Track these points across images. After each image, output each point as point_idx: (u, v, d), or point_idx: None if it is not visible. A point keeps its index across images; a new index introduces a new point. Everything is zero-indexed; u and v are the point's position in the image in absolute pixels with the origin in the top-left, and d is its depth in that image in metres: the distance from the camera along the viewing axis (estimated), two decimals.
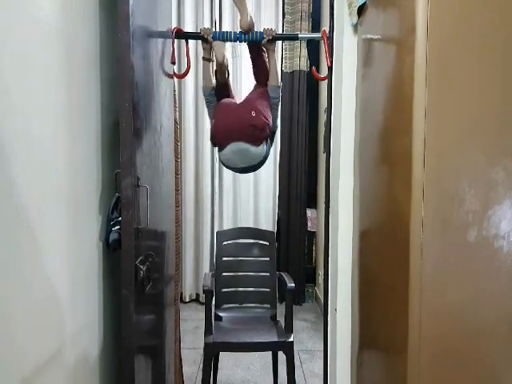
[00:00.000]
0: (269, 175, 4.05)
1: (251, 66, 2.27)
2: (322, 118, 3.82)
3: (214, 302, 2.41)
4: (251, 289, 2.59)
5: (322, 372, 1.90)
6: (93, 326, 1.41)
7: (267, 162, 2.15)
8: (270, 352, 2.52)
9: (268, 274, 2.58)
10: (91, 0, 1.39)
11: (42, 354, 1.09)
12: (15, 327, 0.97)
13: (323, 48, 1.95)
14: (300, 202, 4.08)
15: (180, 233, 2.23)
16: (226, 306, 2.55)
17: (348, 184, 1.67)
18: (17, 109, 0.97)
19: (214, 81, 2.17)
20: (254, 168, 2.11)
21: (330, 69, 1.82)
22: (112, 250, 1.40)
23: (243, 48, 2.29)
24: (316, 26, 4.00)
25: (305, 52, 3.97)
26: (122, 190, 1.33)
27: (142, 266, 1.39)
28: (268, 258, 2.60)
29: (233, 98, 2.24)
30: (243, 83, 3.84)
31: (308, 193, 4.12)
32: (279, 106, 2.19)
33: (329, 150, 1.84)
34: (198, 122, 3.98)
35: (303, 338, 3.33)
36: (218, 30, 3.87)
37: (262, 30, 2.07)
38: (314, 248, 4.28)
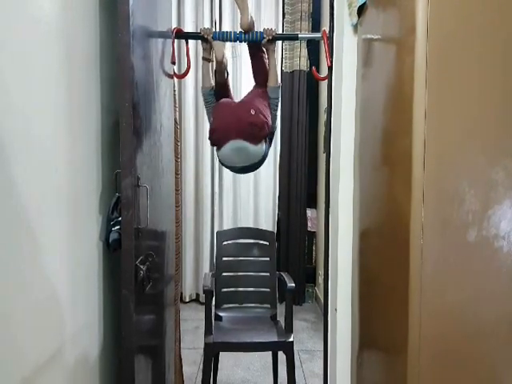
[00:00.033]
0: (269, 175, 4.05)
1: (250, 67, 2.27)
2: (322, 118, 3.82)
3: (214, 302, 2.41)
4: (251, 289, 2.59)
5: (322, 372, 1.90)
6: (93, 326, 1.41)
7: (267, 161, 2.15)
8: (270, 352, 2.52)
9: (268, 273, 2.58)
10: (91, 0, 1.39)
11: (42, 354, 1.09)
12: (15, 327, 0.97)
13: (323, 48, 1.95)
14: (300, 202, 4.08)
15: (180, 233, 2.23)
16: (226, 305, 2.55)
17: (348, 184, 1.67)
18: (17, 109, 0.97)
19: (213, 81, 2.17)
20: (252, 168, 2.10)
21: (330, 69, 1.82)
22: (112, 249, 1.40)
23: (243, 48, 2.30)
24: (316, 26, 4.00)
25: (305, 52, 3.97)
26: (122, 190, 1.33)
27: (142, 266, 1.39)
28: (268, 258, 2.60)
29: (232, 98, 2.24)
30: (243, 83, 3.84)
31: (308, 193, 4.12)
32: (278, 107, 2.18)
33: (329, 150, 1.84)
34: (198, 122, 3.98)
35: (303, 338, 3.33)
36: (217, 30, 3.87)
37: (261, 30, 2.07)
38: (314, 248, 4.28)
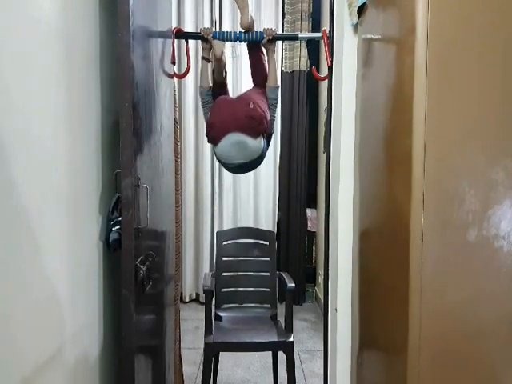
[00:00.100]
0: (269, 175, 4.05)
1: (249, 67, 2.26)
2: (322, 117, 3.82)
3: (214, 302, 2.41)
4: (251, 289, 2.60)
5: (322, 372, 1.91)
6: (93, 325, 1.41)
7: (267, 161, 2.14)
8: (270, 352, 2.52)
9: (268, 273, 2.58)
10: (91, 0, 1.39)
11: (42, 354, 1.09)
12: (15, 327, 0.97)
13: (323, 48, 1.95)
14: (300, 202, 4.08)
15: (180, 233, 2.23)
16: (226, 305, 2.55)
17: (348, 184, 1.67)
18: (17, 109, 0.97)
19: (211, 81, 2.16)
20: (250, 166, 2.07)
21: (330, 69, 1.82)
22: (112, 249, 1.40)
23: (243, 48, 2.29)
24: (316, 25, 4.00)
25: (305, 52, 3.97)
26: (122, 190, 1.33)
27: (142, 266, 1.39)
28: (268, 258, 2.60)
29: None
30: (243, 83, 3.84)
31: (308, 193, 4.12)
32: (277, 108, 2.17)
33: (329, 150, 1.84)
34: (198, 122, 3.98)
35: (303, 338, 3.33)
36: (217, 29, 3.87)
37: (261, 30, 2.07)
38: (314, 248, 4.28)
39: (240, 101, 2.05)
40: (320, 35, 2.02)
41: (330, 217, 1.84)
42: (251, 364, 2.90)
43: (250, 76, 2.26)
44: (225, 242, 2.62)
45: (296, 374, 2.26)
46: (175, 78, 2.12)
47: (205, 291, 2.34)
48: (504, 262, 1.06)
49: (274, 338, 2.23)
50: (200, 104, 2.21)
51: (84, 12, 1.34)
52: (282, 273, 2.56)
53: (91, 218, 1.39)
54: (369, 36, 1.47)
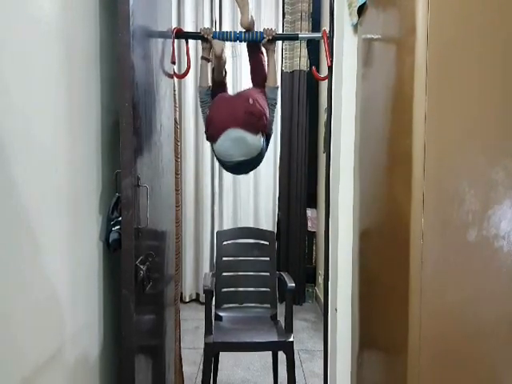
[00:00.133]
0: (269, 175, 4.05)
1: (249, 67, 2.26)
2: (322, 117, 3.82)
3: (214, 302, 2.41)
4: (251, 289, 2.60)
5: (322, 372, 1.91)
6: (93, 325, 1.41)
7: (267, 161, 2.13)
8: (270, 352, 2.52)
9: (268, 273, 2.58)
10: (91, 0, 1.39)
11: (42, 354, 1.09)
12: (15, 327, 0.97)
13: (323, 48, 1.94)
14: (300, 202, 4.08)
15: (180, 233, 2.23)
16: (226, 305, 2.55)
17: (348, 184, 1.67)
18: (17, 109, 0.97)
19: (210, 81, 2.16)
20: (249, 164, 2.05)
21: (330, 69, 1.82)
22: (112, 249, 1.40)
23: (243, 48, 2.29)
24: (316, 25, 4.00)
25: (305, 52, 3.97)
26: (122, 190, 1.33)
27: (142, 266, 1.39)
28: (268, 258, 2.60)
29: None
30: (243, 83, 3.84)
31: (308, 192, 4.12)
32: (276, 108, 2.16)
33: (329, 150, 1.84)
34: (198, 122, 3.97)
35: (303, 338, 3.33)
36: (218, 29, 3.87)
37: (261, 30, 2.07)
38: (314, 248, 4.28)
39: (239, 97, 2.04)
40: (320, 35, 2.02)
41: (330, 217, 1.84)
42: (251, 364, 2.90)
43: (250, 76, 2.26)
44: (225, 242, 2.62)
45: (296, 374, 2.26)
46: (175, 78, 2.12)
47: (205, 291, 2.34)
48: (504, 262, 1.06)
49: (274, 338, 2.23)
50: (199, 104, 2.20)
51: (84, 12, 1.34)
52: (282, 273, 2.56)
53: (91, 218, 1.39)
54: (369, 36, 1.47)
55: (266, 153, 2.12)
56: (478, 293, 1.06)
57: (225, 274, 2.57)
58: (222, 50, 2.04)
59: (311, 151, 4.14)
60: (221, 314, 2.48)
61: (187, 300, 4.05)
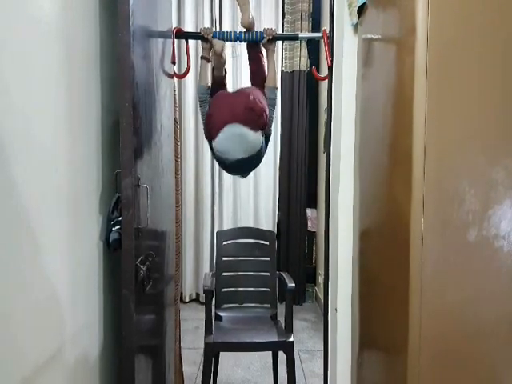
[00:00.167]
0: (269, 175, 4.05)
1: (249, 68, 2.26)
2: (322, 117, 3.82)
3: (214, 302, 2.41)
4: (251, 289, 2.60)
5: (322, 372, 1.90)
6: (93, 325, 1.41)
7: (267, 161, 2.13)
8: (270, 352, 2.52)
9: (268, 273, 2.58)
10: (91, 0, 1.39)
11: (42, 354, 1.09)
12: (15, 327, 0.97)
13: (323, 48, 1.94)
14: (300, 202, 4.08)
15: (180, 233, 2.23)
16: (226, 305, 2.55)
17: (348, 184, 1.67)
18: (17, 109, 0.97)
19: (209, 81, 2.15)
20: (249, 163, 2.03)
21: (330, 68, 1.82)
22: (112, 249, 1.40)
23: (243, 48, 2.29)
24: (316, 25, 4.00)
25: (305, 52, 3.97)
26: (122, 190, 1.33)
27: (142, 266, 1.39)
28: (268, 258, 2.60)
29: None
30: (243, 83, 3.84)
31: (308, 192, 4.12)
32: (275, 109, 2.15)
33: (329, 150, 1.84)
34: (198, 122, 3.97)
35: (303, 338, 3.33)
36: (218, 29, 3.87)
37: (261, 30, 2.07)
38: (314, 248, 4.28)
39: (240, 94, 2.03)
40: (320, 35, 2.02)
41: (330, 217, 1.84)
42: (251, 364, 2.90)
43: (249, 76, 2.26)
44: (225, 242, 2.62)
45: (296, 374, 2.26)
46: (175, 78, 2.12)
47: (205, 291, 2.34)
48: (504, 262, 1.06)
49: (274, 338, 2.23)
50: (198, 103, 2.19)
51: (84, 12, 1.34)
52: (282, 273, 2.56)
53: (91, 218, 1.39)
54: (369, 36, 1.47)
55: (266, 153, 2.12)
56: (478, 293, 1.06)
57: (225, 273, 2.57)
58: (223, 48, 2.03)
59: (311, 151, 4.14)
60: (221, 313, 2.48)
61: (187, 300, 4.05)
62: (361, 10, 1.53)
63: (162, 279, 1.81)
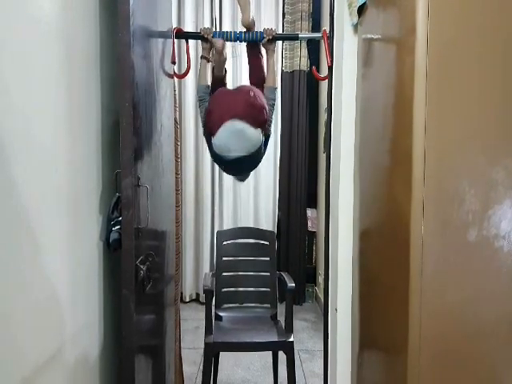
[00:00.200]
0: (269, 175, 4.05)
1: (248, 68, 2.26)
2: (322, 117, 3.82)
3: (214, 302, 2.41)
4: (251, 289, 2.60)
5: (322, 372, 1.90)
6: (93, 325, 1.41)
7: (267, 161, 2.13)
8: (270, 352, 2.52)
9: (268, 273, 2.58)
10: (91, 0, 1.39)
11: (42, 354, 1.09)
12: (15, 327, 0.97)
13: (323, 48, 1.94)
14: (300, 202, 4.08)
15: (180, 233, 2.23)
16: (226, 305, 2.55)
17: (348, 184, 1.67)
18: (17, 109, 0.97)
19: (209, 80, 2.15)
20: (249, 162, 2.02)
21: (331, 68, 1.82)
22: (112, 249, 1.40)
23: (243, 48, 2.29)
24: (316, 25, 4.00)
25: (305, 52, 3.97)
26: (122, 190, 1.33)
27: (142, 266, 1.39)
28: (268, 258, 2.60)
29: None
30: (243, 83, 3.84)
31: (308, 192, 4.12)
32: (274, 109, 2.14)
33: (329, 150, 1.84)
34: (198, 122, 3.97)
35: (303, 338, 3.33)
36: (218, 28, 3.88)
37: (261, 30, 2.07)
38: (314, 248, 4.28)
39: (240, 91, 2.02)
40: (320, 35, 2.02)
41: (330, 217, 1.84)
42: (251, 364, 2.90)
43: (248, 77, 2.26)
44: (225, 242, 2.62)
45: (296, 374, 2.26)
46: (175, 78, 2.12)
47: (205, 291, 2.34)
48: (504, 262, 1.06)
49: (274, 338, 2.23)
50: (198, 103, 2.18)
51: (84, 12, 1.34)
52: (282, 273, 2.56)
53: (91, 218, 1.39)
54: (369, 36, 1.47)
55: (266, 152, 2.11)
56: (478, 293, 1.06)
57: (225, 273, 2.57)
58: (223, 46, 2.03)
59: (311, 151, 4.14)
60: (221, 313, 2.48)
61: (187, 300, 4.05)
62: (361, 10, 1.53)
63: (162, 279, 1.81)
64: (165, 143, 1.81)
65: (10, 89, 0.95)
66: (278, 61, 3.95)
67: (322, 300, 2.59)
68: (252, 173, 2.38)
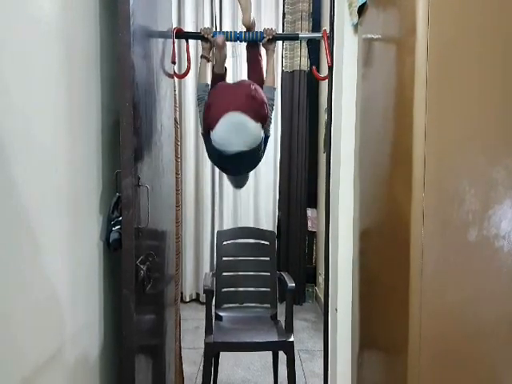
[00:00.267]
0: (269, 174, 4.05)
1: (247, 69, 2.25)
2: (322, 117, 3.82)
3: (214, 302, 2.41)
4: (251, 288, 2.60)
5: (322, 372, 1.90)
6: (93, 325, 1.41)
7: (267, 160, 2.13)
8: (271, 352, 2.52)
9: (268, 273, 2.58)
10: (91, 0, 1.39)
11: (42, 354, 1.09)
12: (15, 327, 0.97)
13: (323, 48, 1.94)
14: (300, 202, 4.08)
15: (180, 233, 2.23)
16: (226, 305, 2.56)
17: (348, 184, 1.67)
18: (17, 109, 0.97)
19: (209, 80, 2.14)
20: (249, 159, 1.99)
21: (331, 68, 1.82)
22: (112, 249, 1.40)
23: (243, 48, 2.29)
24: (316, 25, 4.00)
25: (305, 52, 3.97)
26: (122, 190, 1.33)
27: (142, 266, 1.39)
28: (268, 258, 2.60)
29: None
30: None
31: (308, 192, 4.13)
32: (273, 109, 2.13)
33: (329, 150, 1.84)
34: (197, 122, 3.97)
35: (303, 338, 3.33)
36: (217, 28, 3.88)
37: (262, 30, 2.07)
38: (314, 248, 4.28)
39: (240, 84, 2.01)
40: (320, 35, 2.02)
41: (330, 217, 1.84)
42: (251, 364, 2.90)
43: (247, 78, 2.25)
44: (225, 242, 2.62)
45: (296, 374, 2.26)
46: (175, 78, 2.12)
47: (205, 291, 2.34)
48: (504, 262, 1.06)
49: (275, 338, 2.23)
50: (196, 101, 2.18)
51: (84, 12, 1.34)
52: (282, 273, 2.56)
53: (91, 218, 1.39)
54: (369, 36, 1.47)
55: (266, 152, 2.11)
56: (478, 293, 1.06)
57: (225, 273, 2.57)
58: (224, 41, 2.01)
59: (311, 151, 4.14)
60: (221, 313, 2.48)
61: (187, 300, 4.05)
62: (361, 10, 1.53)
63: (162, 279, 1.81)
64: (165, 143, 1.81)
65: (10, 89, 0.95)
66: (278, 61, 3.95)
67: (322, 300, 2.59)
68: (252, 172, 2.37)
